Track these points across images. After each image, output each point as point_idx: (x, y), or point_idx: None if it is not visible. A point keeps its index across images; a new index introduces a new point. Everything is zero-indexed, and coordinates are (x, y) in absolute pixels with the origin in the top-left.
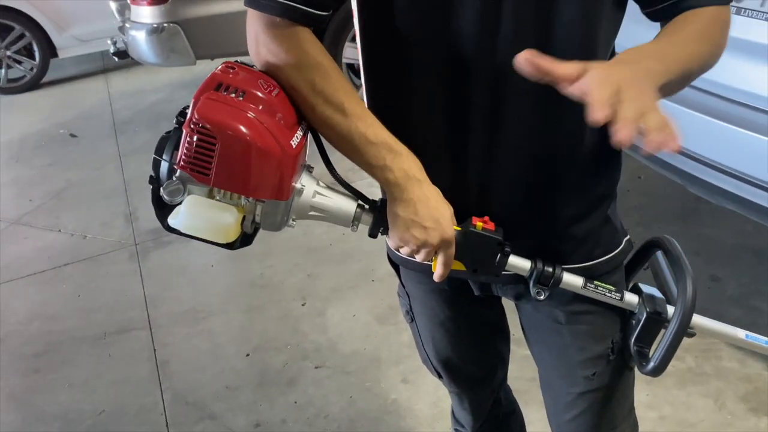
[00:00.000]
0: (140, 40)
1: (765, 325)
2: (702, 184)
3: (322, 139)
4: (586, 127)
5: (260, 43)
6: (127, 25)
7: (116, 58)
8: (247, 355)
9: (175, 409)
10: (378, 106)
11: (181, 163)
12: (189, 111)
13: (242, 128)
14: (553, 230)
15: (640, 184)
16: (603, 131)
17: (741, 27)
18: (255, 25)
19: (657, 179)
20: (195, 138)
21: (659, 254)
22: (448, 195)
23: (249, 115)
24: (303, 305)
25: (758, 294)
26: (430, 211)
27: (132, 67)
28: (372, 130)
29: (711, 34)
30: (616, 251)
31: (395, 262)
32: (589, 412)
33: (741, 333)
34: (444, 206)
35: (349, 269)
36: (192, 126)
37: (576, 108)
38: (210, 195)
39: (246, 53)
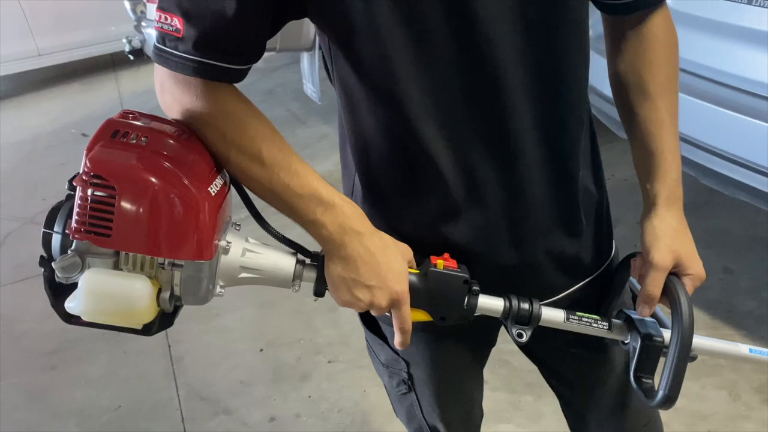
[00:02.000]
0: None
1: None
2: (714, 175)
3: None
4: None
5: (165, 92)
6: (143, 23)
7: (131, 57)
8: (261, 350)
9: (190, 405)
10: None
11: (75, 225)
12: (82, 165)
13: (146, 174)
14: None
15: None
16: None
17: (753, 17)
18: (161, 71)
19: None
20: (89, 192)
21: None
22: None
23: (154, 160)
24: (315, 301)
25: None
26: (374, 267)
27: (141, 67)
28: (297, 179)
29: (673, 61)
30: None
31: (379, 328)
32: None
33: (744, 349)
34: (393, 258)
35: None
36: (85, 178)
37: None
38: (116, 267)
39: (269, 49)
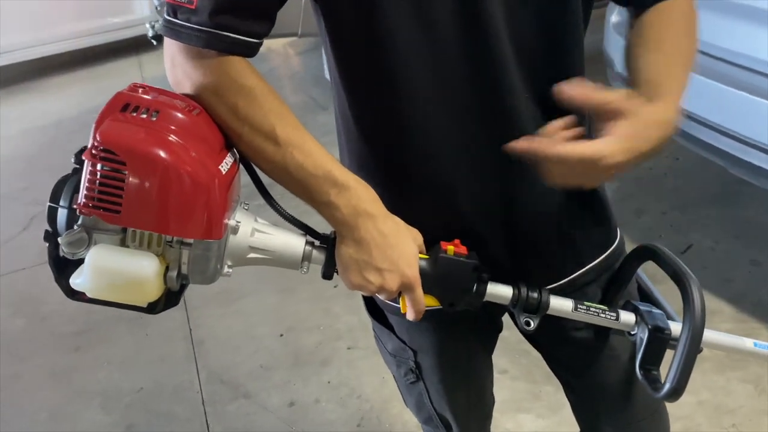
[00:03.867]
0: None
1: None
2: (744, 165)
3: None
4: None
5: (176, 66)
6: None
7: (154, 42)
8: (281, 335)
9: (210, 388)
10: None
11: (83, 200)
12: (90, 139)
13: (156, 150)
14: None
15: (677, 166)
16: None
17: None
18: (171, 46)
19: (696, 161)
20: (99, 167)
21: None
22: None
23: (165, 135)
24: (335, 287)
25: None
26: (386, 250)
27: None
28: (311, 159)
29: (691, 31)
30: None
31: (385, 318)
32: None
33: (749, 343)
34: (405, 242)
35: None
36: (94, 152)
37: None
38: (122, 244)
39: (291, 34)
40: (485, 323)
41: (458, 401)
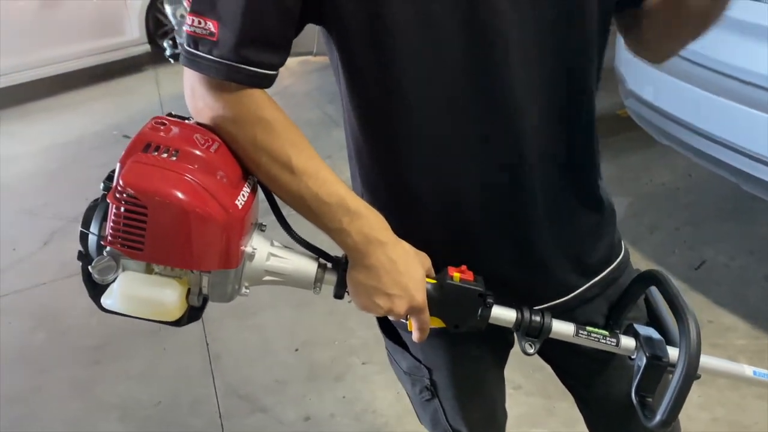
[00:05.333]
0: None
1: None
2: (756, 181)
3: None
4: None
5: (197, 97)
6: (184, 28)
7: (172, 60)
8: (296, 349)
9: (227, 402)
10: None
11: (109, 238)
12: (115, 178)
13: (176, 193)
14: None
15: (690, 183)
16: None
17: None
18: (192, 76)
19: (708, 177)
20: (122, 209)
21: (653, 290)
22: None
23: (184, 177)
24: (349, 302)
25: None
26: (395, 277)
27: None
28: (325, 188)
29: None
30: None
31: (399, 336)
32: None
33: (748, 370)
34: (413, 268)
35: None
36: (117, 195)
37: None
38: (148, 269)
39: (306, 53)
40: (497, 339)
41: (473, 416)
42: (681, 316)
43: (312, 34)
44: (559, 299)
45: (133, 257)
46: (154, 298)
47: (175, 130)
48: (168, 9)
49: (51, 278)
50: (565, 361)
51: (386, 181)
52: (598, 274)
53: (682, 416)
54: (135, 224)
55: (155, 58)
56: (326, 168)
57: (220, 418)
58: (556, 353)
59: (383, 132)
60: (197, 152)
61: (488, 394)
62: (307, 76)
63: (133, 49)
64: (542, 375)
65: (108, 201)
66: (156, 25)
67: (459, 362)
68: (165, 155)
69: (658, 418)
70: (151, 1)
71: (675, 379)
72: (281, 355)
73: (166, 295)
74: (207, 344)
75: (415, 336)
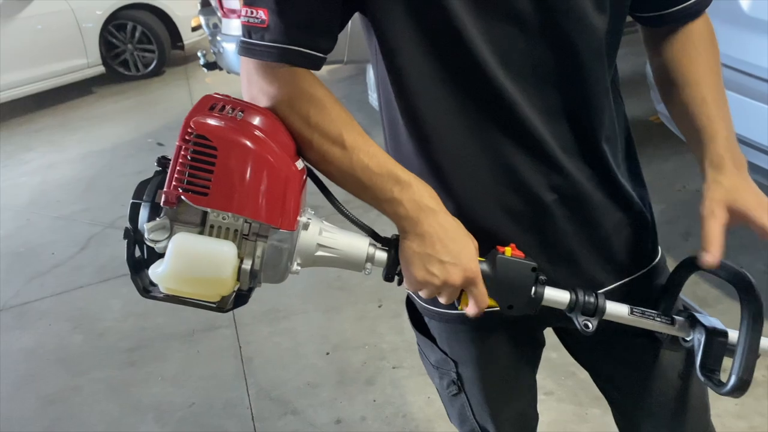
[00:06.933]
0: (232, 52)
1: None
2: None
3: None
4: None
5: (252, 83)
6: (218, 37)
7: (206, 70)
8: (327, 353)
9: (259, 404)
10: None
11: (174, 183)
12: (180, 131)
13: (245, 140)
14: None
15: None
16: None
17: None
18: (248, 65)
19: None
20: (191, 151)
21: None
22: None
23: (251, 129)
24: (379, 307)
25: None
26: (449, 244)
27: (214, 78)
28: (375, 160)
29: (714, 54)
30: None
31: (428, 330)
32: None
33: None
34: (465, 238)
35: None
36: (187, 138)
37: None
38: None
39: (337, 61)
40: (526, 336)
41: (501, 414)
42: (740, 276)
43: (343, 42)
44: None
45: (197, 202)
46: (210, 254)
47: (236, 99)
48: (202, 19)
49: (88, 282)
50: (602, 366)
51: (419, 164)
52: (630, 275)
53: (718, 425)
54: (203, 166)
55: (186, 68)
56: (374, 143)
57: (253, 420)
58: (593, 357)
59: (415, 115)
60: (260, 115)
61: (518, 393)
62: (337, 84)
63: (88, 71)
64: (573, 381)
65: (162, 170)
66: (108, 48)
67: (485, 358)
68: (231, 113)
69: (733, 379)
70: (103, 25)
71: (742, 335)
72: (312, 358)
73: (222, 251)
74: (240, 347)
75: (471, 310)
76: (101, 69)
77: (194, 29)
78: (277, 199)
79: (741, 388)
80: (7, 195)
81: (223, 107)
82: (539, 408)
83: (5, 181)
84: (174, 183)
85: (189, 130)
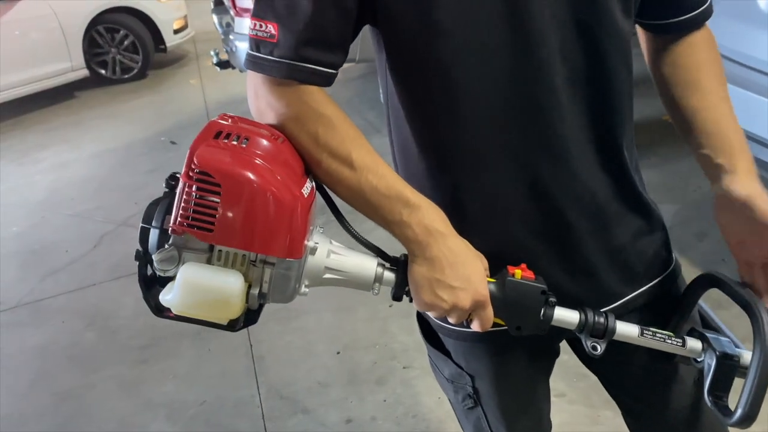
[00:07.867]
0: (244, 51)
1: None
2: None
3: (330, 194)
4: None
5: (260, 97)
6: (231, 36)
7: (218, 68)
8: (338, 353)
9: (270, 403)
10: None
11: (179, 219)
12: (185, 163)
13: (249, 174)
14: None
15: None
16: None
17: None
18: (255, 78)
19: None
20: (195, 188)
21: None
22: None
23: (255, 160)
24: (390, 306)
25: None
26: (458, 268)
27: (227, 77)
28: (384, 182)
29: (718, 62)
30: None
31: (441, 343)
32: None
33: None
34: (474, 261)
35: None
36: (191, 174)
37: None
38: (208, 263)
39: (349, 60)
40: (543, 348)
41: (517, 426)
42: (751, 307)
43: (355, 41)
44: (605, 307)
45: (202, 239)
46: (216, 285)
47: (242, 123)
48: (214, 18)
49: (101, 279)
50: (614, 373)
51: (431, 183)
52: (646, 284)
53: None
54: (207, 203)
55: (199, 66)
56: (384, 163)
57: (263, 419)
58: (605, 365)
59: (427, 133)
60: (265, 141)
61: (533, 405)
62: (348, 84)
63: (72, 74)
64: (586, 383)
65: (174, 192)
66: (90, 46)
67: (503, 371)
68: (235, 142)
69: (740, 412)
70: (86, 29)
71: (753, 368)
72: (323, 358)
73: (229, 282)
74: (251, 346)
75: (475, 329)
76: (85, 72)
77: (176, 32)
78: (281, 232)
79: (747, 420)
80: (21, 193)
81: (228, 135)
82: (551, 410)
83: (20, 179)
84: (179, 219)
85: (193, 166)
